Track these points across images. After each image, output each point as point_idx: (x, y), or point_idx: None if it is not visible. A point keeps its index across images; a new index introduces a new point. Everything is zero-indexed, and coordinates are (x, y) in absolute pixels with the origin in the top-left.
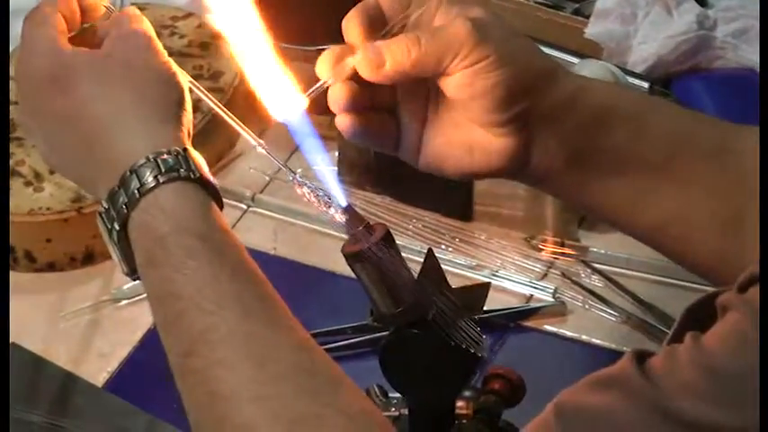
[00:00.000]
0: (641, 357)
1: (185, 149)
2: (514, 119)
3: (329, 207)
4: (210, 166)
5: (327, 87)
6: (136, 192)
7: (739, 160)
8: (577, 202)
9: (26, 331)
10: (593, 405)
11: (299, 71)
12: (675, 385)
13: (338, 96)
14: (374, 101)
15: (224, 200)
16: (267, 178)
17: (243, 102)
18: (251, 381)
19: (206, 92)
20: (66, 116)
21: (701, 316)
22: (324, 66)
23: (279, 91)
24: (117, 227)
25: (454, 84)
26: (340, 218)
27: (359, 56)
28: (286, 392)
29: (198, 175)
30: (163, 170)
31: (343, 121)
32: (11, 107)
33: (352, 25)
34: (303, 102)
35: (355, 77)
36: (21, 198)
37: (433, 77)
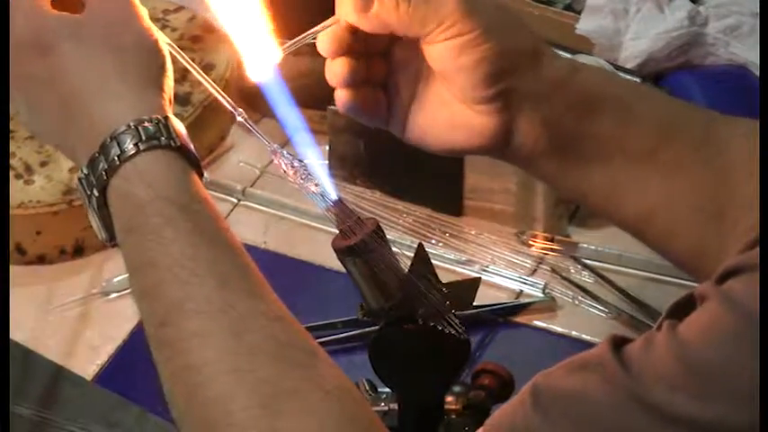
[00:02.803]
0: (618, 343)
1: (166, 117)
2: (497, 97)
3: (306, 180)
4: (201, 159)
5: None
6: (116, 159)
7: (723, 154)
8: (561, 187)
9: (16, 324)
10: (569, 388)
11: (293, 64)
12: (650, 373)
13: (337, 70)
14: (368, 76)
15: (214, 193)
16: (258, 172)
17: (234, 95)
18: (227, 352)
19: (186, 57)
20: (46, 80)
21: (685, 313)
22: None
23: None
24: (96, 193)
25: (437, 54)
26: (316, 189)
27: None
28: (262, 365)
29: (178, 143)
30: (143, 138)
31: (341, 96)
32: None
33: None
34: (293, 47)
35: (352, 53)
36: (11, 191)
37: (418, 42)
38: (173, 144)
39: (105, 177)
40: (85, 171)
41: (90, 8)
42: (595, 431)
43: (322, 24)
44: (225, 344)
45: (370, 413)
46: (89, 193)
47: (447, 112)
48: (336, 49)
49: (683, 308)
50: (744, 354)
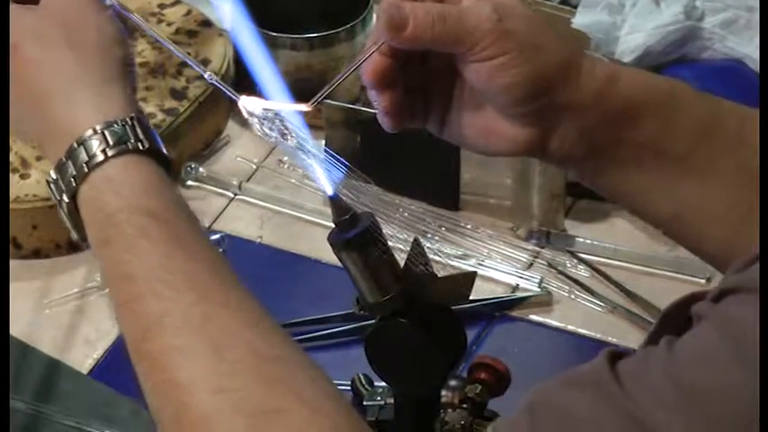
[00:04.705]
0: (615, 358)
1: (132, 117)
2: (532, 113)
3: (287, 136)
4: (197, 153)
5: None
6: (84, 166)
7: (757, 157)
8: (592, 186)
9: (12, 318)
10: (564, 404)
11: (291, 59)
12: (647, 394)
13: (383, 104)
14: (404, 80)
15: (211, 188)
16: (254, 166)
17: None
18: (209, 371)
19: (143, 20)
20: (16, 78)
21: (678, 319)
22: None
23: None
24: (66, 198)
25: (472, 73)
26: (296, 145)
27: (382, 12)
28: (246, 383)
29: (147, 145)
30: (111, 143)
31: (386, 121)
32: None
33: None
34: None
35: (389, 55)
36: None
37: (453, 57)
38: (141, 147)
39: (75, 184)
40: (54, 176)
41: (45, 2)
42: None
43: (365, 51)
44: (206, 362)
45: (357, 422)
46: (59, 198)
47: (483, 118)
48: (381, 80)
49: (673, 319)
50: (741, 379)
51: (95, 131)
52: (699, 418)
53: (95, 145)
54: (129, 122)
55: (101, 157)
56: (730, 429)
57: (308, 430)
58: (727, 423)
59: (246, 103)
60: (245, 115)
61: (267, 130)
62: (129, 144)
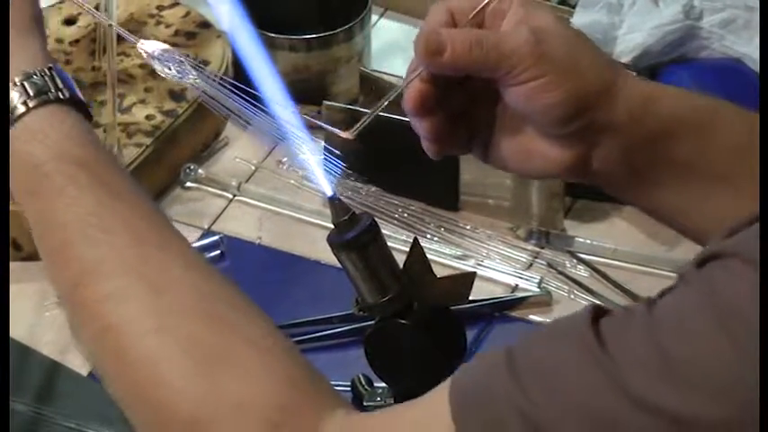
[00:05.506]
0: (598, 315)
1: (51, 68)
2: (572, 134)
3: (183, 74)
4: (196, 154)
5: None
6: None
7: None
8: (631, 202)
9: (12, 320)
10: (546, 357)
11: (289, 60)
12: (627, 355)
13: (427, 131)
14: (445, 106)
15: (210, 189)
16: (253, 167)
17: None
18: (149, 312)
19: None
20: None
21: None
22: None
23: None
24: None
25: (511, 96)
26: (196, 84)
27: (420, 38)
28: (188, 322)
29: (67, 94)
30: (32, 94)
31: (431, 148)
32: None
33: (439, 10)
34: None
35: (429, 81)
36: None
37: (493, 81)
38: (62, 96)
39: None
40: None
41: None
42: (568, 402)
43: (405, 79)
44: (144, 302)
45: (301, 360)
46: None
47: (525, 141)
48: (422, 107)
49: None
50: (721, 346)
51: (15, 83)
52: (681, 384)
53: (16, 97)
54: (48, 73)
55: (22, 109)
56: (711, 397)
57: (254, 367)
58: (707, 391)
59: (146, 45)
60: (145, 57)
61: (168, 70)
62: (49, 94)
